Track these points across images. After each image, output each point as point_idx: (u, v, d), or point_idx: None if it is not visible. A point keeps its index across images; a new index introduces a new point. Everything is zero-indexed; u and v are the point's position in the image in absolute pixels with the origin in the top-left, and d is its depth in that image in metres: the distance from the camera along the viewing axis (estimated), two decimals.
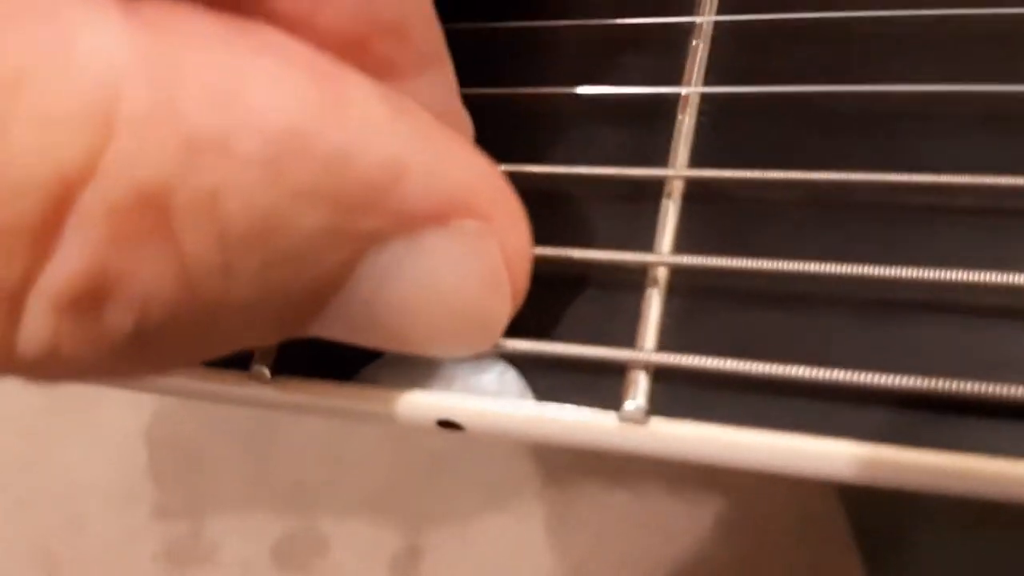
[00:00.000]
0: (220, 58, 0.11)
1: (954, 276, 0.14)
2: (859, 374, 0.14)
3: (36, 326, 0.11)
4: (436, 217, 0.14)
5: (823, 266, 0.15)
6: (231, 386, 0.17)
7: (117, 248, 0.11)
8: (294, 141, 0.12)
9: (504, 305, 0.15)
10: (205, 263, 0.12)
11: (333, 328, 0.14)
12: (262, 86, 0.12)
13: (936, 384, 0.14)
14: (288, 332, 0.14)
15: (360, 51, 0.14)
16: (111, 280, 0.11)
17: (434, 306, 0.14)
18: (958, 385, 0.14)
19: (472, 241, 0.14)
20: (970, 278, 0.14)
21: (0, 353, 0.11)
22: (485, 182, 0.14)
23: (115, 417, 0.51)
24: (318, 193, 0.12)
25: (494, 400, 0.16)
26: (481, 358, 0.16)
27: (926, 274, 0.15)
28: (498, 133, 0.17)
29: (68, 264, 0.11)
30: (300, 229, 0.12)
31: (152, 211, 0.11)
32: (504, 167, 0.18)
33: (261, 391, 0.17)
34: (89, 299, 0.11)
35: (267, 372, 0.17)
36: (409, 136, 0.13)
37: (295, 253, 0.12)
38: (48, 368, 0.12)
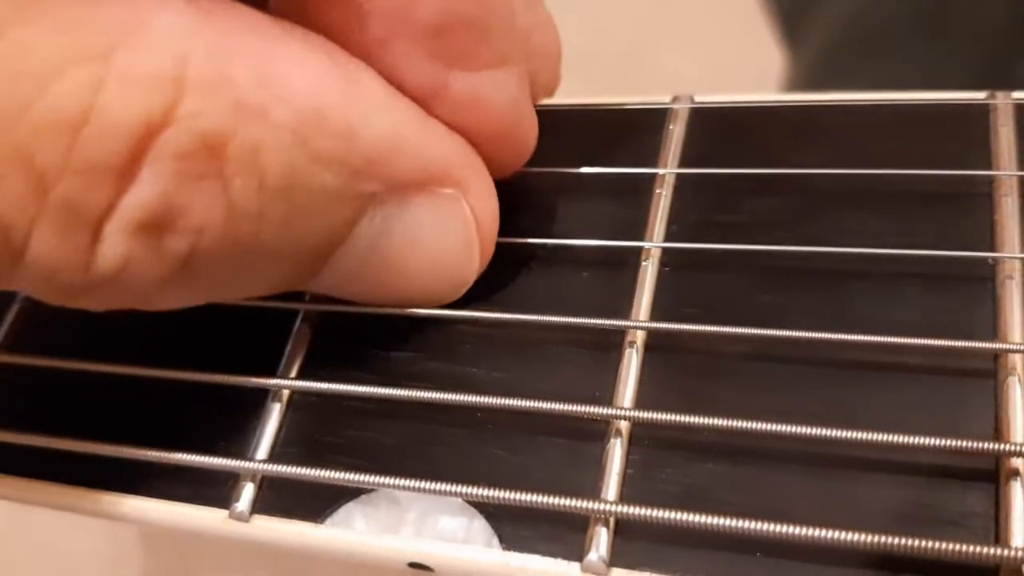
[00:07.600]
0: (261, 42, 0.15)
1: (896, 439, 0.15)
2: (810, 530, 0.15)
3: (112, 246, 0.14)
4: (423, 184, 0.17)
5: (770, 426, 0.16)
6: (213, 524, 0.18)
7: (181, 183, 0.14)
8: (316, 114, 0.15)
9: (473, 262, 0.18)
10: (245, 206, 0.15)
11: (330, 281, 0.17)
12: (294, 67, 0.15)
13: (882, 541, 0.15)
14: (295, 283, 0.17)
15: (444, 38, 0.16)
16: (175, 210, 0.14)
17: (416, 260, 0.17)
18: (904, 542, 0.14)
19: (450, 205, 0.17)
20: (910, 441, 0.15)
21: (78, 272, 0.14)
22: (463, 158, 0.17)
23: None
24: (331, 158, 0.15)
25: (462, 546, 0.16)
26: (450, 505, 0.17)
27: (870, 436, 0.15)
28: None
29: (142, 195, 0.14)
30: (315, 187, 0.15)
31: (210, 156, 0.14)
32: (475, 310, 0.19)
33: (240, 529, 0.18)
34: (156, 224, 0.14)
35: (247, 512, 0.17)
36: (405, 116, 0.16)
37: (311, 208, 0.16)
38: (114, 288, 0.15)
